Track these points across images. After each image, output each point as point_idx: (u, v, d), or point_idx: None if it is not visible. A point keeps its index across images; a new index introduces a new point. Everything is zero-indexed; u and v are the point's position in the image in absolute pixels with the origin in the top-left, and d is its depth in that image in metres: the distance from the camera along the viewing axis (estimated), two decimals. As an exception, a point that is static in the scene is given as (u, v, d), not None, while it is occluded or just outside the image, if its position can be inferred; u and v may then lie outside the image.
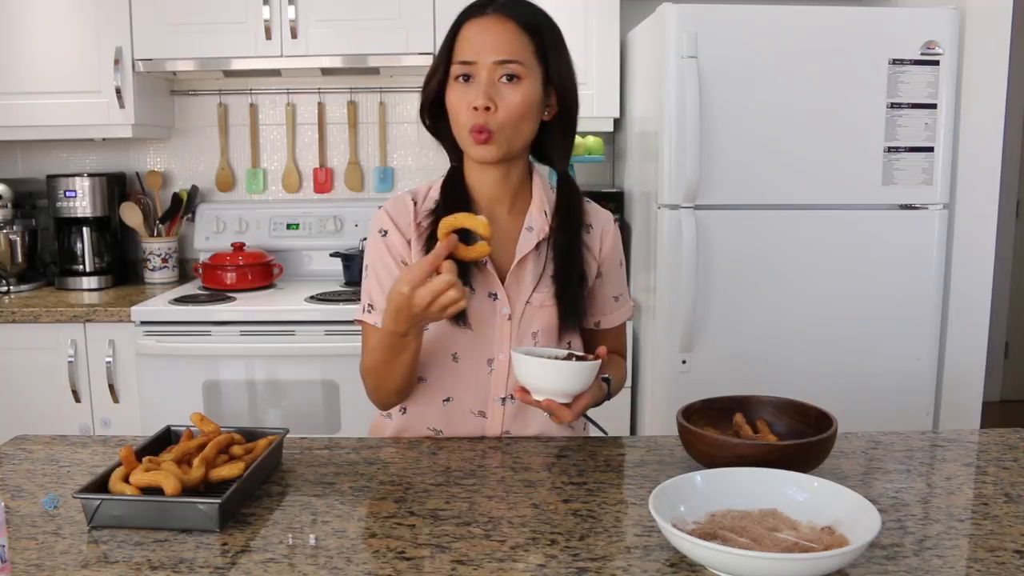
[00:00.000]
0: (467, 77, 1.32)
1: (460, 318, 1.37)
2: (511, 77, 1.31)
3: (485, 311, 1.39)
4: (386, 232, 1.42)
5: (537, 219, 1.41)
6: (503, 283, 1.40)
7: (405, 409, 1.45)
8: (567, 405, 1.26)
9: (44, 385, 2.59)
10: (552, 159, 1.44)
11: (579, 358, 1.28)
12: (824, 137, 2.32)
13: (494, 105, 1.30)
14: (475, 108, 1.30)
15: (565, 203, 1.43)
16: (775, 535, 0.98)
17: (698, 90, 2.23)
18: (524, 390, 1.26)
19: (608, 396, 1.42)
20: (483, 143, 1.32)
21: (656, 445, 1.37)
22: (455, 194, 1.40)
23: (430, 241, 1.37)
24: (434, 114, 1.41)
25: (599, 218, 1.49)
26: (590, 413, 1.53)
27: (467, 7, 1.35)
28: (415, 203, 1.43)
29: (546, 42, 1.34)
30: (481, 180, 1.41)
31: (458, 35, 1.34)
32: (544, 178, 1.46)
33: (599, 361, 1.27)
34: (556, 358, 1.27)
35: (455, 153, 1.44)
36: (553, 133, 1.41)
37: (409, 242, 1.41)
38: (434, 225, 1.37)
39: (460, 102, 1.32)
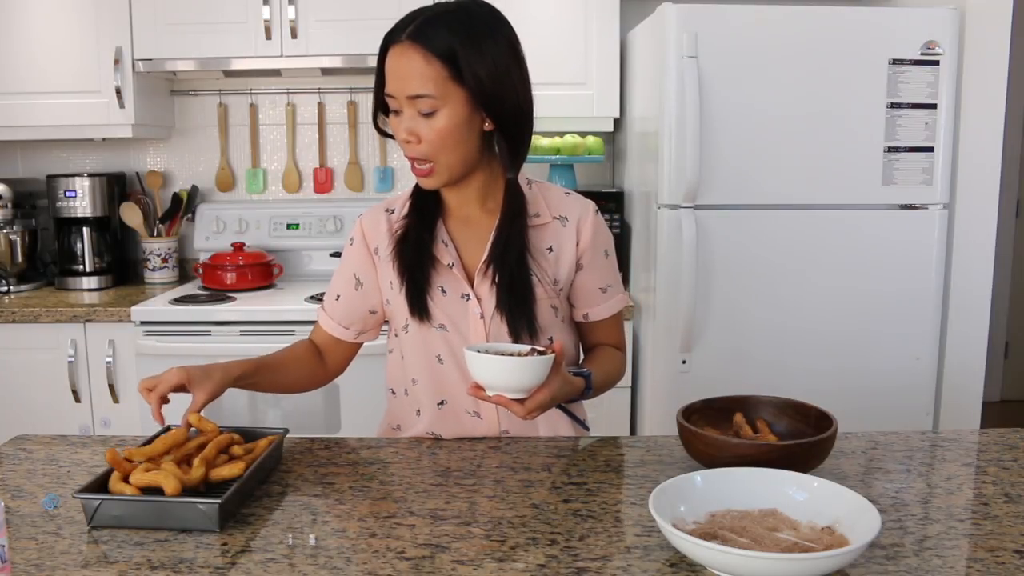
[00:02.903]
0: (395, 109, 1.31)
1: (424, 316, 1.38)
2: (424, 111, 1.28)
3: (459, 312, 1.39)
4: (353, 241, 1.47)
5: None
6: (472, 284, 1.39)
7: (419, 411, 1.45)
8: (520, 401, 1.23)
9: (44, 385, 2.59)
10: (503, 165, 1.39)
11: (540, 354, 1.25)
12: (824, 137, 2.32)
13: (416, 138, 1.29)
14: (404, 140, 1.31)
15: (508, 213, 1.38)
16: (775, 535, 0.98)
17: (698, 90, 2.23)
18: (479, 387, 1.25)
19: (589, 389, 1.38)
20: (424, 175, 1.33)
21: (656, 445, 1.37)
22: (423, 202, 1.41)
23: (400, 245, 1.40)
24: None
25: (575, 208, 1.43)
26: (575, 408, 1.52)
27: (391, 28, 1.31)
28: (391, 212, 1.45)
29: (462, 64, 1.25)
30: (444, 189, 1.41)
31: (384, 62, 1.31)
32: (529, 179, 1.43)
33: (551, 356, 1.23)
34: (519, 354, 1.25)
35: None
36: (500, 140, 1.35)
37: (376, 250, 1.43)
38: (404, 229, 1.40)
39: (395, 133, 1.33)
